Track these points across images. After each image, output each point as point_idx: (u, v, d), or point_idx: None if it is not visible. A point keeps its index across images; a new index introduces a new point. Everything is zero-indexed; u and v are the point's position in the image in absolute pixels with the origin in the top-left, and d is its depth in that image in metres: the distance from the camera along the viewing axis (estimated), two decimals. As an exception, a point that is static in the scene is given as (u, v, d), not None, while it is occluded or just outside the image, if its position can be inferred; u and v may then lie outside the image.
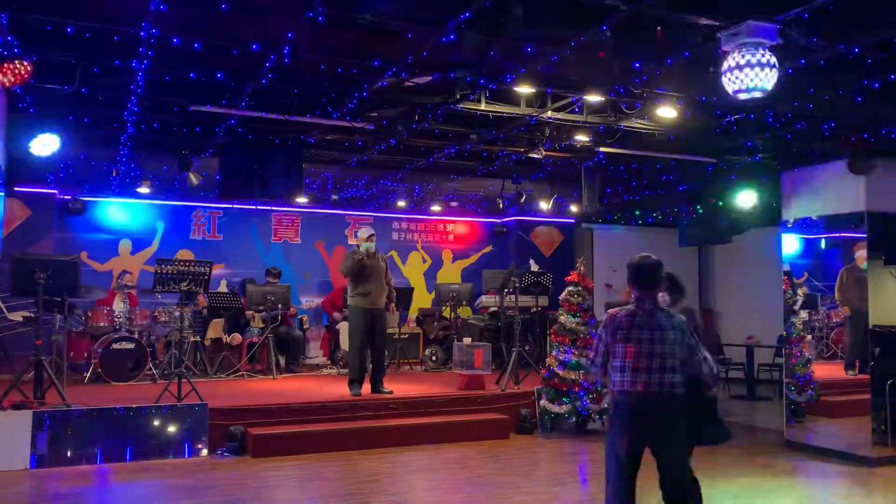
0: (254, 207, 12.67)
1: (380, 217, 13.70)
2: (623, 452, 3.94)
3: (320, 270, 13.33)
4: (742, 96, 5.24)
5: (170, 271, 8.21)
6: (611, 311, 4.10)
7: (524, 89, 7.51)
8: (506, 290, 9.92)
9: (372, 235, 8.48)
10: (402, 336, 11.46)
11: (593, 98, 7.81)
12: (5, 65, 5.85)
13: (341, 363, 10.63)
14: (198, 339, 9.86)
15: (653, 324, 3.93)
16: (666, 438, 3.94)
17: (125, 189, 11.72)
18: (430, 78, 7.11)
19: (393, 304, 8.83)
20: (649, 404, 3.89)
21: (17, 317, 9.41)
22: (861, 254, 7.57)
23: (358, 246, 8.41)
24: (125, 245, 12.11)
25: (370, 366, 8.42)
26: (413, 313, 12.65)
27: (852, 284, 7.98)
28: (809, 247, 8.48)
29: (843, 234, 8.04)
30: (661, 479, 4.01)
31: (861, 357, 7.53)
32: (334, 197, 12.80)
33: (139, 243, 12.18)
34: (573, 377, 8.06)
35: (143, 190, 11.60)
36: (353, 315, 8.35)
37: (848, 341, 8.14)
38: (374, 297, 8.27)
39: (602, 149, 9.32)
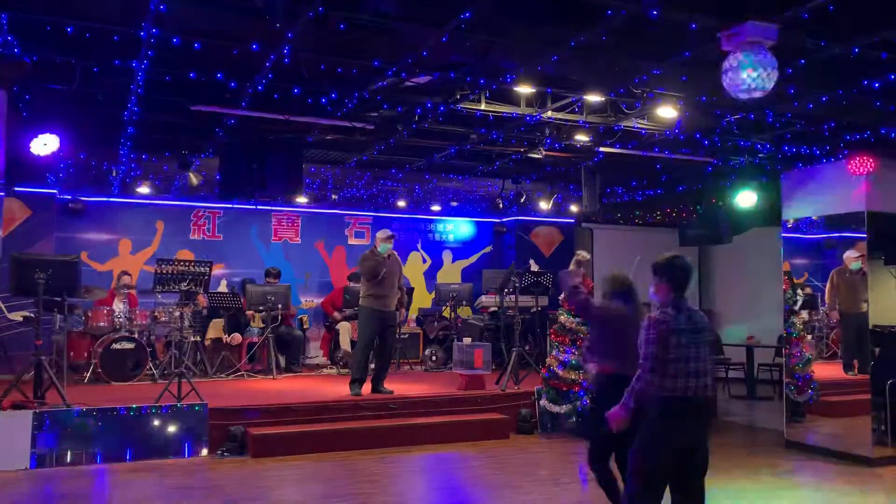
0: (254, 207, 12.66)
1: (380, 217, 13.69)
2: (669, 459, 3.83)
3: (320, 270, 13.33)
4: (742, 96, 5.24)
5: (170, 271, 8.21)
6: (656, 314, 3.88)
7: (524, 89, 7.51)
8: (506, 290, 9.92)
9: (391, 237, 8.40)
10: (402, 336, 11.45)
11: (593, 98, 7.82)
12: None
13: (341, 363, 10.64)
14: (198, 339, 9.85)
15: (697, 326, 3.86)
16: (706, 442, 3.90)
17: (125, 189, 11.72)
18: (430, 78, 7.12)
19: (404, 308, 8.78)
20: (701, 408, 3.85)
21: (17, 317, 9.41)
22: (849, 255, 7.56)
23: (376, 246, 8.37)
24: (125, 245, 12.11)
25: (373, 366, 8.42)
26: (413, 313, 12.64)
27: (841, 286, 7.99)
28: (809, 247, 8.48)
29: (843, 234, 8.03)
30: (685, 489, 3.90)
31: (857, 357, 7.53)
32: (334, 197, 12.81)
33: (139, 243, 12.17)
34: (573, 377, 8.06)
35: (143, 190, 11.60)
36: (364, 316, 8.28)
37: (842, 343, 8.15)
38: (388, 300, 8.25)
39: (602, 149, 9.33)
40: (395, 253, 8.57)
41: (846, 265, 7.78)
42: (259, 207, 12.71)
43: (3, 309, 9.53)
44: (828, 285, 8.24)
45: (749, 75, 5.07)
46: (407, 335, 11.74)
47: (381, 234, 8.47)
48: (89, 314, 9.64)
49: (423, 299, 13.44)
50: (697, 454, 3.88)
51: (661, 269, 3.95)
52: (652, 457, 3.87)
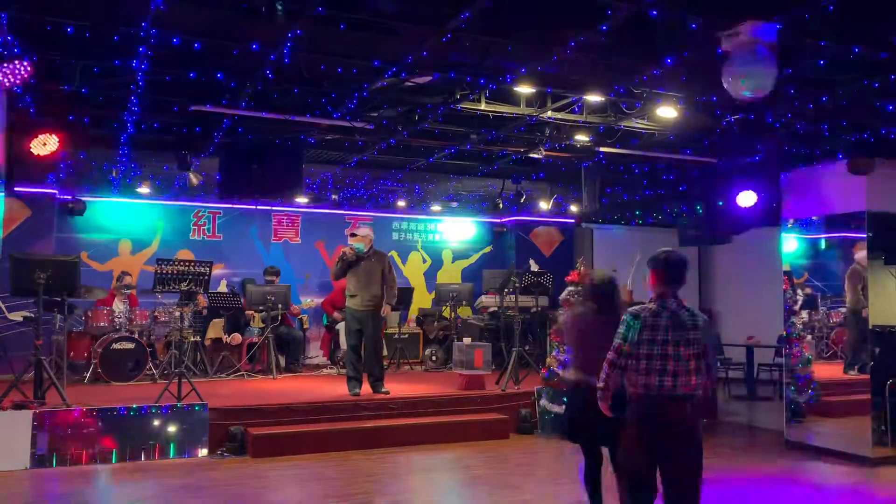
0: (254, 207, 12.66)
1: (380, 217, 13.69)
2: (644, 460, 3.76)
3: (320, 270, 13.32)
4: (742, 96, 5.24)
5: (170, 271, 8.20)
6: (632, 309, 3.85)
7: (524, 89, 7.51)
8: (506, 290, 9.92)
9: (352, 235, 8.33)
10: (402, 336, 11.46)
11: (593, 98, 7.81)
12: (5, 65, 5.85)
13: (341, 363, 10.63)
14: (198, 339, 9.85)
15: (678, 323, 3.75)
16: (685, 444, 3.77)
17: (125, 189, 11.71)
18: (430, 78, 7.12)
19: (388, 307, 8.43)
20: (674, 408, 3.72)
21: (17, 317, 9.41)
22: (861, 255, 7.54)
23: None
24: (125, 245, 12.10)
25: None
26: (413, 313, 12.64)
27: (862, 285, 7.90)
28: (809, 247, 8.48)
29: (843, 234, 8.03)
30: (669, 491, 3.79)
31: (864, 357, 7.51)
32: (334, 197, 12.80)
33: (139, 243, 12.17)
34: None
35: (143, 190, 11.60)
36: (346, 316, 8.43)
37: (848, 341, 8.10)
38: (361, 299, 8.15)
39: (602, 149, 9.32)
40: (380, 251, 8.52)
41: (861, 263, 7.70)
42: (259, 207, 12.71)
43: (3, 309, 9.53)
44: (848, 287, 8.13)
45: (749, 75, 5.06)
46: (407, 335, 11.74)
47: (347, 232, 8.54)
48: (89, 314, 9.65)
49: (423, 299, 13.44)
50: (683, 455, 3.77)
51: (650, 262, 3.92)
52: (630, 457, 3.82)
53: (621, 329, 3.82)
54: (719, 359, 10.85)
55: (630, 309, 3.88)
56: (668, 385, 3.71)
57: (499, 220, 14.69)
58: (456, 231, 14.50)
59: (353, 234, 8.35)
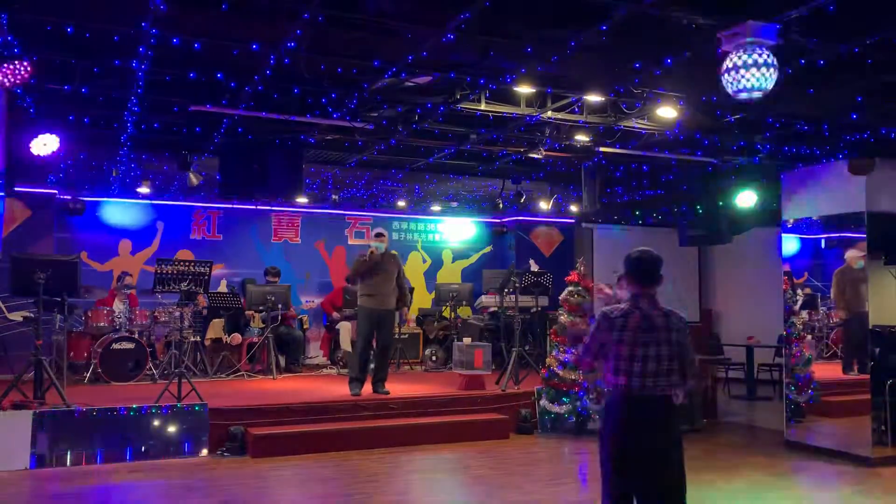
0: (254, 207, 12.67)
1: (380, 217, 13.70)
2: (615, 458, 3.72)
3: (320, 270, 13.33)
4: (742, 96, 5.24)
5: (170, 271, 8.20)
6: (604, 308, 3.83)
7: (524, 89, 7.51)
8: (506, 290, 9.92)
9: (378, 235, 8.39)
10: (402, 336, 11.45)
11: (593, 98, 7.82)
12: (5, 65, 5.85)
13: (341, 363, 10.63)
14: (198, 339, 9.85)
15: (649, 324, 3.69)
16: (659, 445, 3.70)
17: (125, 189, 11.72)
18: (430, 78, 7.12)
19: (405, 308, 8.57)
20: (643, 408, 3.67)
21: (17, 317, 9.41)
22: (852, 254, 7.54)
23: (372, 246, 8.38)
24: (125, 245, 12.11)
25: (373, 366, 8.42)
26: (413, 313, 12.64)
27: (848, 286, 7.95)
28: (809, 247, 8.48)
29: (843, 234, 8.03)
30: (652, 495, 3.73)
31: (860, 358, 7.52)
32: (334, 197, 12.81)
33: (139, 243, 12.17)
34: (573, 377, 8.07)
35: (143, 190, 11.60)
36: (359, 315, 8.39)
37: (844, 343, 8.12)
38: (379, 299, 8.20)
39: (602, 149, 9.33)
40: (394, 252, 8.56)
41: (850, 264, 7.72)
42: (259, 207, 12.72)
43: (3, 309, 9.53)
44: (833, 287, 8.17)
45: (749, 75, 5.07)
46: (407, 335, 11.73)
47: (373, 232, 8.54)
48: (89, 314, 9.64)
49: (423, 299, 13.44)
50: (661, 455, 3.70)
51: (623, 262, 3.87)
52: (602, 450, 3.82)
53: (591, 328, 3.83)
54: (718, 359, 10.85)
55: (602, 308, 3.87)
56: (636, 386, 3.66)
57: (499, 220, 14.70)
58: (456, 231, 14.50)
59: (378, 235, 8.37)
